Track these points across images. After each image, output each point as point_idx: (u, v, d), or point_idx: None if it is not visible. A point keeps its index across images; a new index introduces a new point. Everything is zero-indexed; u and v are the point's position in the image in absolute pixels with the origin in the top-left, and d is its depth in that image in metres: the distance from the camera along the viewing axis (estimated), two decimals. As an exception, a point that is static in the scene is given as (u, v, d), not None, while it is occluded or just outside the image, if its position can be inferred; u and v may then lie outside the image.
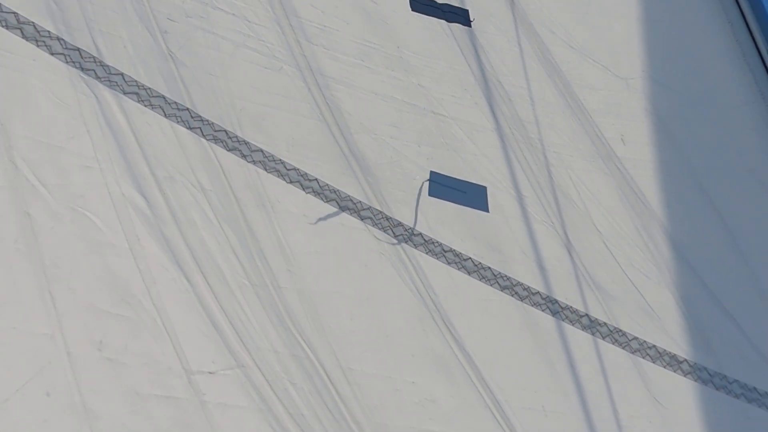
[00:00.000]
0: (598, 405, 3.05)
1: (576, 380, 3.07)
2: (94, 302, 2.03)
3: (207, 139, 2.69)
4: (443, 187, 3.33)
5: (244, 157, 2.75)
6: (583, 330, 3.30)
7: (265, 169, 2.78)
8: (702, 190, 4.11)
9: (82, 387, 1.90)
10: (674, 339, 3.51)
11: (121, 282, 2.12)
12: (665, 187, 4.09)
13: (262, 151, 2.82)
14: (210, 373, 2.11)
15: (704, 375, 3.52)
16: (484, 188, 3.49)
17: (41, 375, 1.85)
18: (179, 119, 2.67)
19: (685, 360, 3.49)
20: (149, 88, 2.68)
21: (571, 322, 3.28)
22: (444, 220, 3.22)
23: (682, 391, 3.38)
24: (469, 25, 3.89)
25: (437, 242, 3.11)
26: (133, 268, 2.15)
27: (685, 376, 3.45)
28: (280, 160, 2.86)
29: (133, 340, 2.02)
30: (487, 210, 3.40)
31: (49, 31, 2.53)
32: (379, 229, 2.99)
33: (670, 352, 3.47)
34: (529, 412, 2.84)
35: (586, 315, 3.33)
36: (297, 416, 2.17)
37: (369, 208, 3.03)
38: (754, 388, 3.57)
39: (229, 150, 2.72)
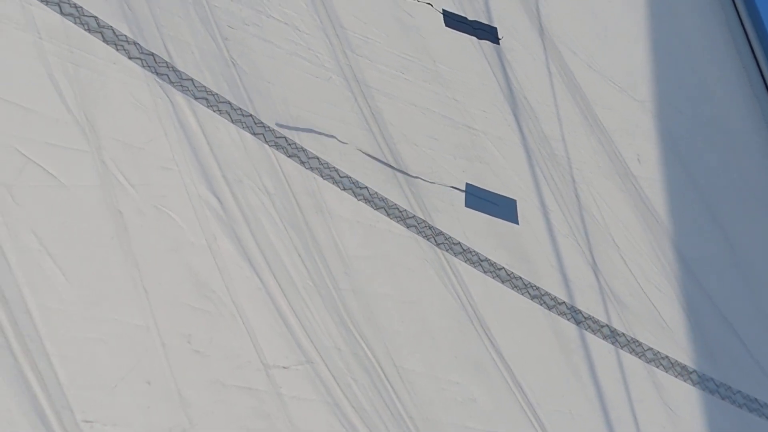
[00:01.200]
0: (618, 410, 3.24)
1: (597, 386, 3.25)
2: (180, 297, 2.14)
3: (269, 145, 2.81)
4: (478, 198, 3.49)
5: (302, 163, 2.87)
6: (603, 339, 3.48)
7: (321, 176, 2.90)
8: (709, 210, 4.32)
9: (177, 377, 2.01)
10: (684, 350, 3.71)
11: (202, 278, 2.23)
12: (675, 206, 4.30)
13: (318, 158, 2.95)
14: (284, 367, 2.23)
15: (711, 385, 3.73)
16: (514, 201, 3.66)
17: (141, 364, 1.96)
18: (244, 125, 2.78)
19: (695, 371, 3.70)
20: (216, 94, 2.78)
21: (593, 331, 3.46)
22: (479, 230, 3.37)
23: (692, 400, 3.59)
24: (498, 43, 4.05)
25: (474, 251, 3.26)
26: (212, 266, 2.26)
27: (694, 385, 3.66)
28: (334, 167, 2.99)
29: (216, 334, 2.13)
30: (517, 222, 3.57)
31: (126, 36, 2.63)
32: (423, 237, 3.14)
33: (681, 363, 3.68)
34: (558, 415, 3.01)
35: (607, 325, 3.52)
36: (360, 410, 2.31)
37: (413, 216, 3.17)
38: (756, 399, 3.80)
39: (289, 156, 2.84)
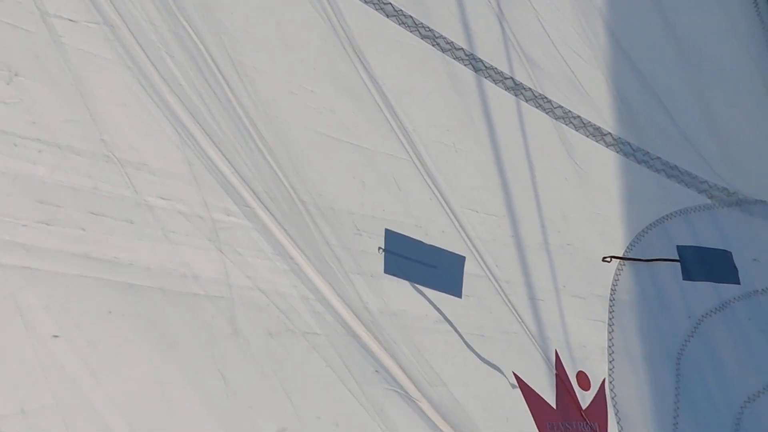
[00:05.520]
0: (513, 154, 3.02)
1: (492, 130, 3.02)
2: None
3: None
4: None
5: None
6: (506, 90, 3.21)
7: None
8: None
9: None
10: (601, 114, 3.46)
11: None
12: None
13: None
14: (71, 21, 1.94)
15: (627, 149, 3.50)
16: None
17: None
18: None
19: (609, 133, 3.45)
20: None
21: (494, 81, 3.17)
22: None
23: (604, 160, 3.35)
24: None
25: (354, -20, 2.94)
26: None
27: (608, 147, 3.42)
28: None
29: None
30: None
31: None
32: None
33: (594, 124, 3.42)
34: (438, 146, 2.76)
35: (511, 78, 3.24)
36: (173, 84, 2.03)
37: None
38: (675, 166, 3.58)
39: None
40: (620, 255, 2.93)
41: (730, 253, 3.34)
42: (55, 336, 1.52)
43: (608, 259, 2.62)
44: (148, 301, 1.65)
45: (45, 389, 1.42)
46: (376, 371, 1.95)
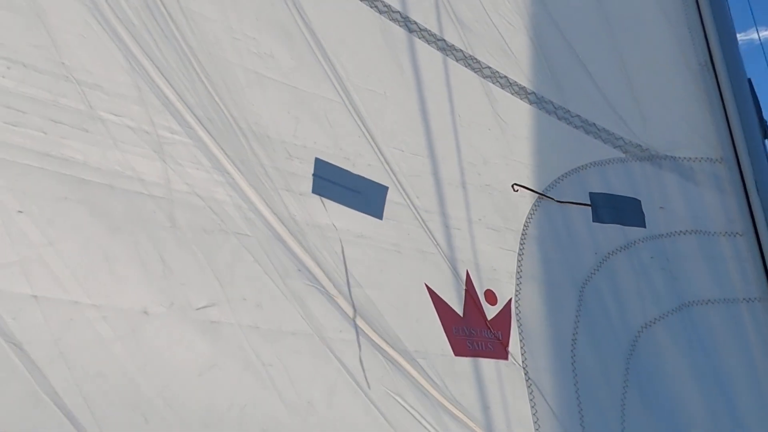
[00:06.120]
0: (440, 106, 3.31)
1: (421, 83, 3.30)
2: None
3: None
4: None
5: None
6: (438, 51, 3.51)
7: None
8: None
9: None
10: (526, 75, 3.77)
11: None
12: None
13: None
14: None
15: (549, 107, 3.82)
16: None
17: None
18: None
19: (533, 92, 3.77)
20: None
21: (427, 42, 3.47)
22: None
23: (526, 115, 3.67)
24: None
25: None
26: None
27: (531, 104, 3.74)
28: None
29: None
30: None
31: None
32: None
33: (519, 83, 3.74)
34: (369, 93, 3.05)
35: (443, 39, 3.54)
36: (126, 22, 2.28)
37: None
38: (594, 124, 3.91)
39: None
40: (535, 199, 3.25)
41: (639, 201, 3.70)
42: (20, 212, 1.80)
43: (516, 189, 2.92)
44: (98, 193, 1.93)
45: (11, 251, 1.69)
46: (299, 270, 2.24)
